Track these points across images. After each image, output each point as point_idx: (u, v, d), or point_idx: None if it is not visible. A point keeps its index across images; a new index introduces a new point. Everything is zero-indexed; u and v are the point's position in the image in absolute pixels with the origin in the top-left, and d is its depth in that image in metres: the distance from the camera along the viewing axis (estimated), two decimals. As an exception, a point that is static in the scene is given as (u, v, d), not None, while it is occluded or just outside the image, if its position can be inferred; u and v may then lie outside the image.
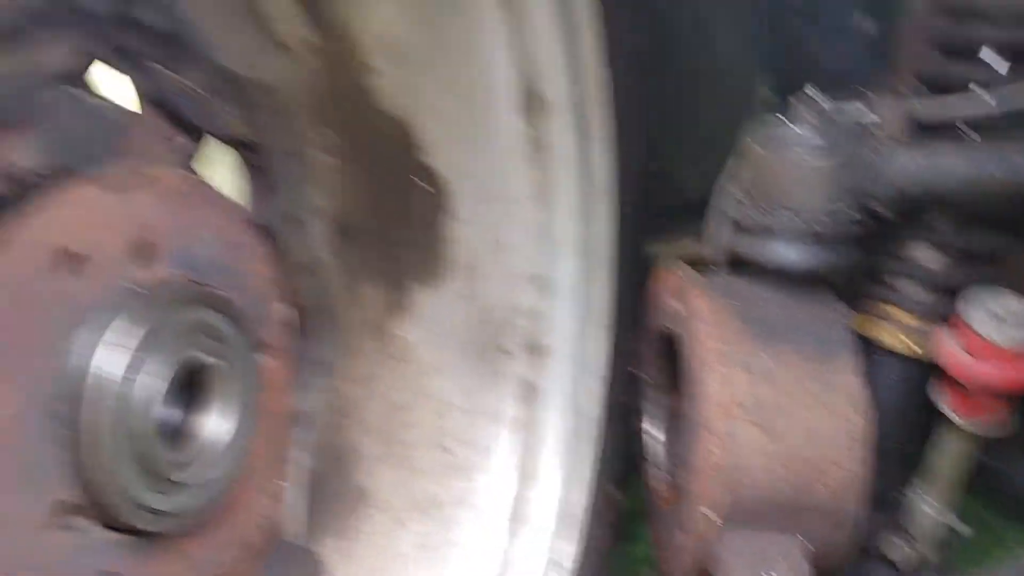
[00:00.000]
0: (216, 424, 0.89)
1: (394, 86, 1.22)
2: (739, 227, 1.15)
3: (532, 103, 1.19)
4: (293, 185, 1.10)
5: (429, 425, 1.36)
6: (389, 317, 1.38)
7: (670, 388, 1.30)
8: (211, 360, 0.88)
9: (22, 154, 0.77)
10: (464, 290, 1.33)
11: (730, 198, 1.17)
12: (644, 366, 1.31)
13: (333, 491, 1.37)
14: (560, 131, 1.20)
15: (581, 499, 1.34)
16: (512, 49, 1.14)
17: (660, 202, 1.38)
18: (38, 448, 0.75)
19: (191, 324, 0.85)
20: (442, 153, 1.26)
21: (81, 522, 0.80)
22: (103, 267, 0.79)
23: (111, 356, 0.79)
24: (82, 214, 0.77)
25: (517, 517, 1.31)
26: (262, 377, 0.98)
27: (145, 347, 0.81)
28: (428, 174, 1.28)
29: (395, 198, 1.30)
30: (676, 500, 1.18)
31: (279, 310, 1.02)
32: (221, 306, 0.89)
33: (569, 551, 1.32)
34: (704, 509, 1.07)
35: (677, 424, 1.31)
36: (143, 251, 0.83)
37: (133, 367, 0.80)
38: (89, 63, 0.82)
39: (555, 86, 1.17)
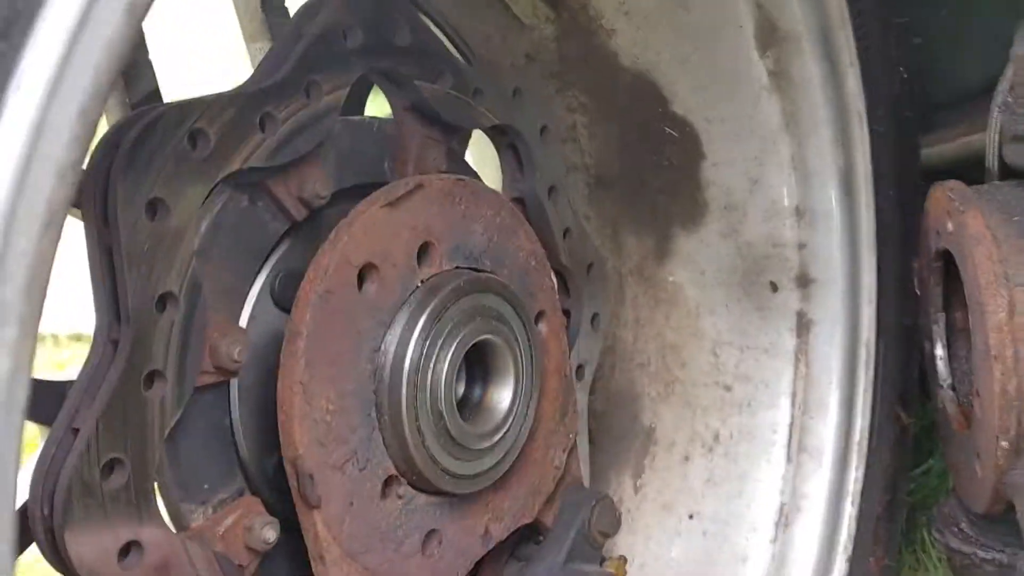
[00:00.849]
0: (504, 394, 0.99)
1: (632, 43, 1.24)
2: (1009, 135, 1.08)
3: (770, 36, 1.17)
4: (546, 156, 1.16)
5: (705, 363, 1.40)
6: (654, 263, 1.42)
7: (953, 307, 1.25)
8: (493, 338, 0.97)
9: (315, 182, 0.88)
10: (726, 230, 1.34)
11: (999, 106, 1.09)
12: (923, 286, 1.26)
13: (621, 431, 1.46)
14: (801, 60, 1.18)
15: (862, 424, 1.33)
16: (745, -14, 1.12)
17: (919, 111, 1.31)
18: (367, 434, 0.87)
19: (472, 309, 0.94)
20: (688, 100, 1.27)
21: (406, 490, 0.92)
22: (394, 272, 0.89)
23: (407, 347, 0.89)
24: (373, 231, 0.87)
25: (799, 447, 1.33)
26: (541, 344, 1.06)
27: (434, 335, 0.91)
28: (677, 122, 1.29)
29: (648, 149, 1.34)
30: (970, 426, 1.15)
31: (548, 280, 1.09)
32: (496, 288, 0.97)
33: (853, 476, 1.32)
34: (1000, 437, 1.04)
35: (962, 343, 1.26)
36: (424, 251, 0.93)
37: (426, 354, 0.90)
38: (359, 90, 0.91)
39: (791, 15, 1.14)
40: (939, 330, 1.21)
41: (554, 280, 1.12)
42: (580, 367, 1.27)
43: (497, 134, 1.12)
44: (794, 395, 1.34)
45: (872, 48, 1.19)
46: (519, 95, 1.12)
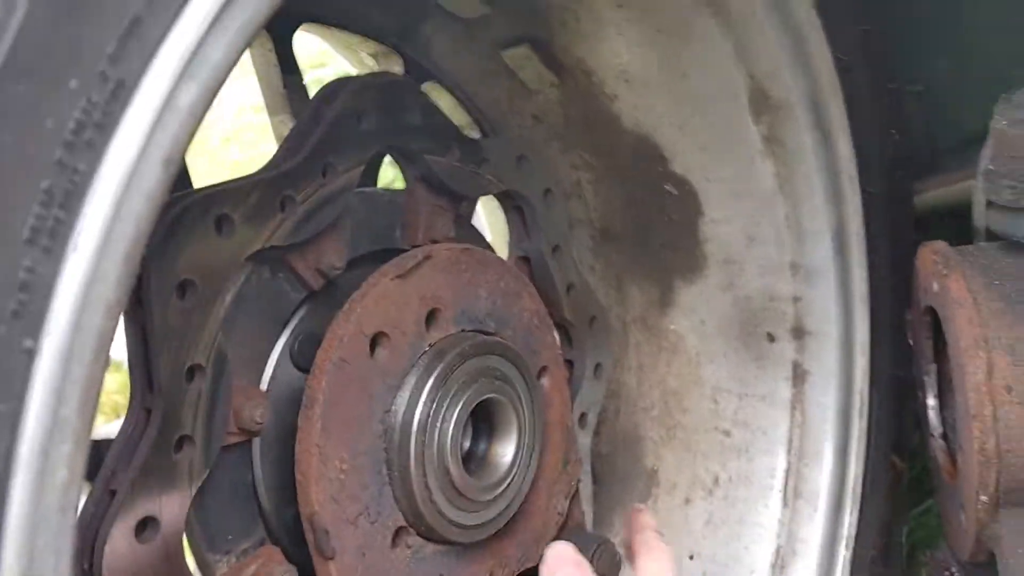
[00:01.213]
0: (508, 448, 1.05)
1: (633, 107, 1.31)
2: (992, 204, 1.13)
3: (763, 104, 1.23)
4: (550, 217, 1.23)
5: (705, 409, 1.46)
6: (656, 312, 1.48)
7: (944, 358, 1.30)
8: (497, 396, 1.03)
9: (331, 254, 0.96)
10: (724, 283, 1.40)
11: (982, 174, 1.15)
12: (915, 338, 1.32)
13: (625, 473, 1.52)
14: (794, 127, 1.24)
15: (855, 470, 1.38)
16: (737, 57, 1.19)
17: (912, 169, 1.37)
18: (378, 490, 0.94)
19: (477, 370, 1.01)
20: (687, 160, 1.33)
21: (415, 540, 0.99)
22: (404, 338, 0.96)
23: (415, 408, 0.96)
24: (384, 302, 0.94)
25: (795, 492, 1.38)
26: (543, 398, 1.13)
27: (441, 396, 0.97)
28: (678, 180, 1.36)
29: (651, 205, 1.40)
30: (956, 478, 1.20)
31: (550, 336, 1.16)
32: (499, 350, 1.04)
33: (848, 520, 1.37)
34: (979, 492, 1.09)
35: (953, 394, 1.32)
36: (431, 317, 0.99)
37: (433, 414, 0.97)
38: (373, 164, 0.99)
39: (782, 85, 1.20)
40: (930, 381, 1.26)
41: (556, 336, 1.18)
42: (583, 415, 1.33)
43: (504, 198, 1.19)
44: (790, 442, 1.39)
45: (863, 115, 1.25)
46: (523, 161, 1.18)
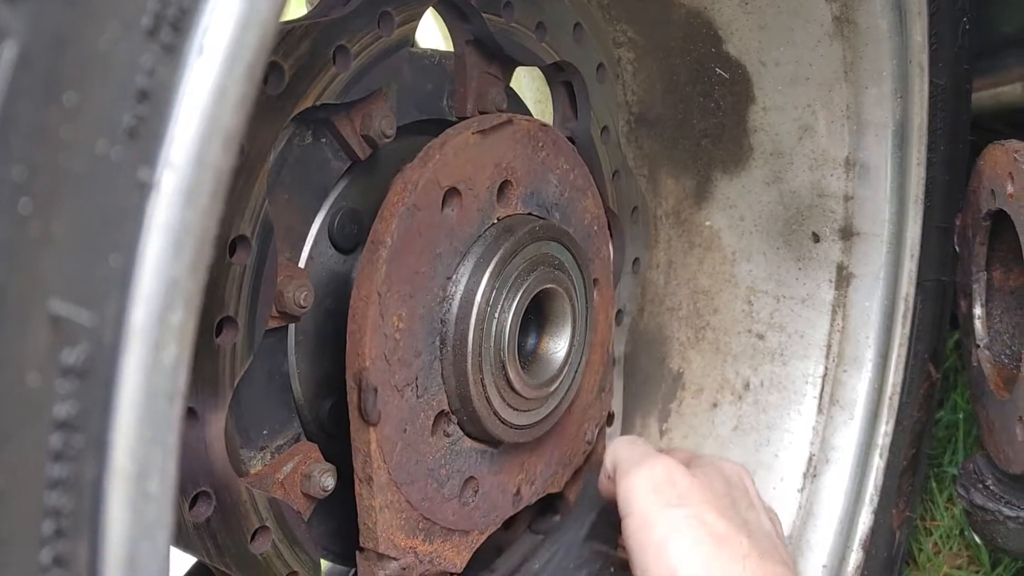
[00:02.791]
0: (561, 344, 0.96)
1: (691, -23, 1.19)
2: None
3: (840, -20, 1.12)
4: (600, 95, 1.12)
5: (738, 311, 1.39)
6: (691, 206, 1.39)
7: (992, 266, 1.24)
8: (556, 288, 0.94)
9: (381, 119, 0.84)
10: (770, 177, 1.31)
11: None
12: (965, 244, 1.25)
13: (648, 375, 1.44)
14: (870, 6, 1.13)
15: (895, 378, 1.32)
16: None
17: (973, 63, 1.28)
18: (428, 363, 0.85)
19: (540, 256, 0.91)
20: (744, 41, 1.22)
21: (455, 430, 0.91)
22: (475, 202, 0.86)
23: (478, 285, 0.87)
24: (462, 156, 0.84)
25: (831, 399, 1.32)
26: (594, 301, 1.04)
27: (504, 277, 0.88)
28: (730, 63, 1.25)
29: (696, 90, 1.29)
30: (1010, 389, 1.15)
31: (606, 248, 1.07)
32: (566, 240, 0.95)
33: (883, 429, 1.32)
34: (1047, 402, 1.03)
35: (999, 303, 1.25)
36: (503, 189, 0.89)
37: (495, 298, 0.87)
38: (417, 21, 0.86)
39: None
40: (979, 289, 1.20)
41: (611, 249, 1.09)
42: (619, 312, 1.25)
43: (552, 71, 1.08)
44: (829, 347, 1.33)
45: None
46: (579, 31, 1.07)
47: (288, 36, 0.73)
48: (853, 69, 1.18)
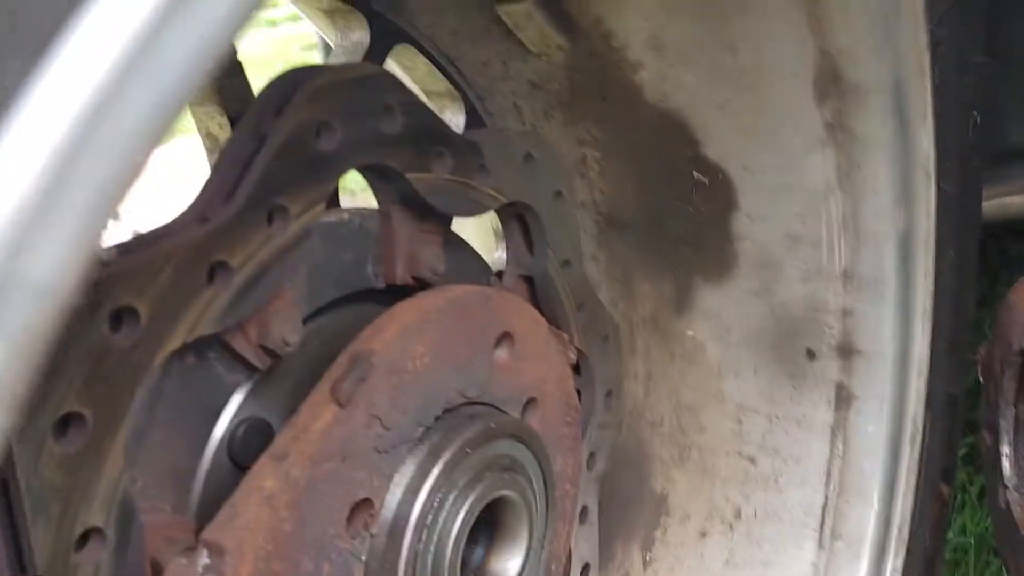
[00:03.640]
0: (514, 563, 0.82)
1: (661, 79, 1.04)
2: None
3: (831, 86, 0.97)
4: (559, 227, 0.97)
5: (726, 430, 1.24)
6: (671, 314, 1.24)
7: (1020, 401, 1.10)
8: (511, 494, 0.79)
9: (282, 323, 0.69)
10: (758, 288, 1.16)
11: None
12: (990, 376, 1.11)
13: (630, 496, 1.30)
14: (865, 112, 0.98)
15: (903, 506, 1.18)
16: (810, 30, 0.92)
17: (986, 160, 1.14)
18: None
19: (490, 460, 0.77)
20: (724, 145, 1.07)
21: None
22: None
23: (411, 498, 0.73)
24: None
25: (833, 533, 1.18)
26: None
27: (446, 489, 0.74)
28: (709, 167, 1.10)
29: (670, 193, 1.14)
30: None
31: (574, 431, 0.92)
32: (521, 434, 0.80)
33: (891, 565, 1.18)
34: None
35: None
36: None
37: (433, 513, 0.73)
38: (323, 203, 0.72)
39: (861, 66, 0.94)
40: (1007, 426, 1.06)
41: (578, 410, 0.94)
42: (592, 455, 1.11)
43: (503, 209, 0.93)
44: (828, 475, 1.19)
45: (949, 96, 1.00)
46: (530, 161, 0.92)
47: (143, 270, 0.58)
48: (849, 178, 1.04)
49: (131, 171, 0.37)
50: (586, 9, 0.99)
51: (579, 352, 1.03)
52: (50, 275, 0.35)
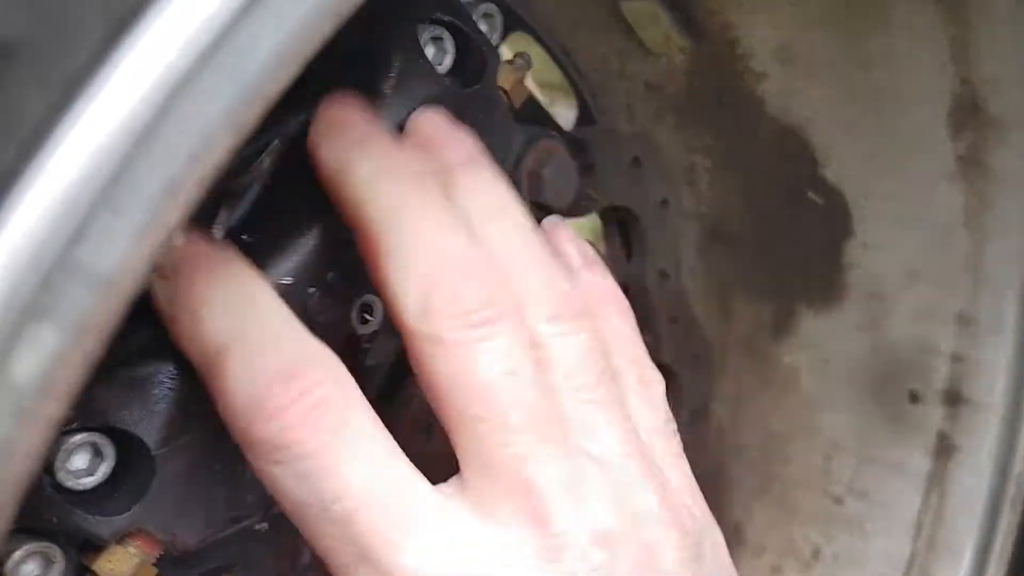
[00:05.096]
0: None
1: (786, 93, 0.99)
2: None
3: (969, 116, 0.91)
4: (662, 236, 0.94)
5: (813, 466, 1.19)
6: (768, 337, 1.19)
7: None
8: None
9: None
10: (864, 322, 1.11)
11: None
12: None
13: (704, 520, 1.26)
14: (1003, 148, 0.92)
15: (995, 570, 1.11)
16: (952, 56, 0.86)
17: None
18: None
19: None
20: (845, 168, 1.02)
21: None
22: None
23: None
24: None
25: (919, 588, 1.12)
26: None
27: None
28: (826, 189, 1.05)
29: (782, 211, 1.10)
30: None
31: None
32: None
33: (981, 632, 1.11)
34: None
35: None
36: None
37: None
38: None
39: (1004, 99, 0.88)
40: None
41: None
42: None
43: (605, 212, 0.90)
44: (919, 527, 1.12)
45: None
46: (638, 166, 0.89)
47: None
48: (978, 216, 0.97)
49: (207, 165, 0.35)
50: (714, 13, 0.95)
51: (665, 366, 1.00)
52: (113, 266, 0.33)
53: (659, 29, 0.97)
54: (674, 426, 0.71)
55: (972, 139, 0.92)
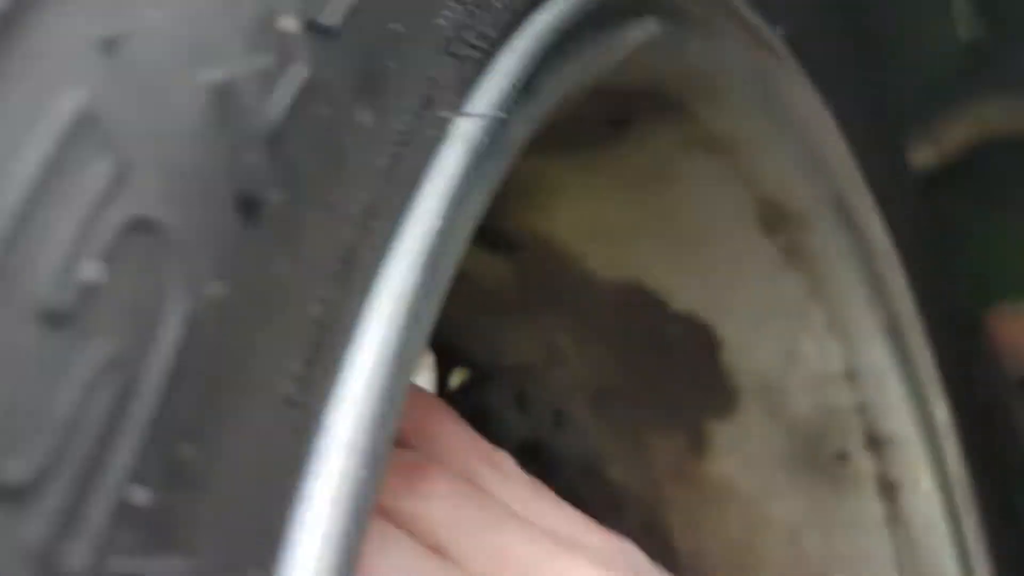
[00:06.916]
0: None
1: (609, 261, 1.05)
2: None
3: (775, 218, 0.99)
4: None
5: (786, 555, 1.22)
6: (692, 459, 1.23)
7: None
8: None
9: None
10: (767, 410, 1.16)
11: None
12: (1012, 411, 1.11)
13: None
14: (814, 234, 1.00)
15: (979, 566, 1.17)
16: (738, 183, 0.94)
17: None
18: None
19: None
20: (690, 296, 1.08)
21: None
22: None
23: None
24: None
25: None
26: None
27: None
28: (681, 319, 1.10)
29: (653, 351, 1.14)
30: None
31: None
32: None
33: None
34: None
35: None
36: None
37: None
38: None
39: (796, 195, 0.96)
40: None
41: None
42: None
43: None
44: (900, 564, 1.16)
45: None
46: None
47: None
48: (820, 290, 1.05)
49: None
50: (520, 225, 0.99)
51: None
52: None
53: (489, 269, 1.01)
54: None
55: (786, 235, 1.00)
